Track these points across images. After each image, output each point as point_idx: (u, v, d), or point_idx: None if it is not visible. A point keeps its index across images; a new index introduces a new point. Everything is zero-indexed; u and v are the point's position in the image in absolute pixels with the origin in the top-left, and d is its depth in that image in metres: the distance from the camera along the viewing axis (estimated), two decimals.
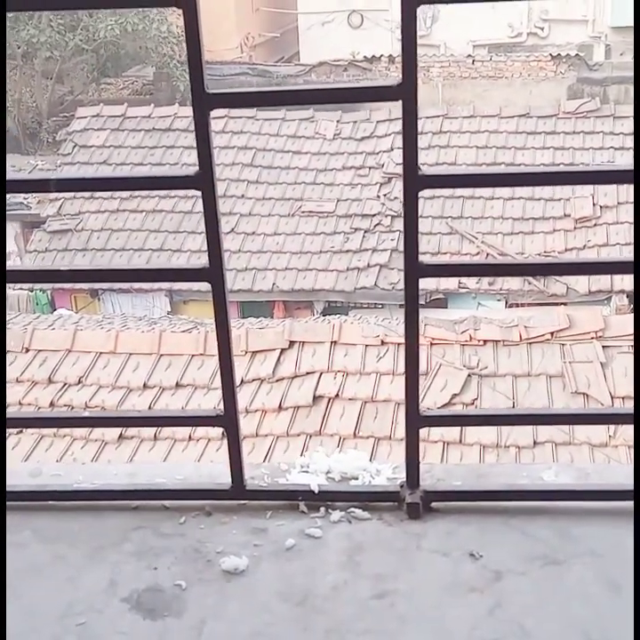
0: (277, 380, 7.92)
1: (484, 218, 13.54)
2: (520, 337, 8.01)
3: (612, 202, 13.26)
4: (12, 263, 15.58)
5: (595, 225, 13.21)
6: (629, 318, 8.69)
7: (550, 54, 20.08)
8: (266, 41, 25.37)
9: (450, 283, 12.53)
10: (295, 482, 1.83)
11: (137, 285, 12.75)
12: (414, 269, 1.58)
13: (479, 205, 13.65)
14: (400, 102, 1.47)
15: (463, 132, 14.81)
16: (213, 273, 1.60)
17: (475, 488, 1.80)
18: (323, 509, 1.78)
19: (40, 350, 8.28)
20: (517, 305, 12.62)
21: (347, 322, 8.98)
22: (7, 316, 10.02)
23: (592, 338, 7.97)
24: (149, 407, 7.64)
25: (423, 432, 1.74)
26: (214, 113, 1.51)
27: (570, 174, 1.89)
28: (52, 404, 7.78)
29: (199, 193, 1.55)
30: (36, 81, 21.62)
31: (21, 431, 7.43)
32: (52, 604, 1.59)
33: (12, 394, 7.83)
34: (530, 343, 7.98)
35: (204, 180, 1.54)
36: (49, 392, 7.93)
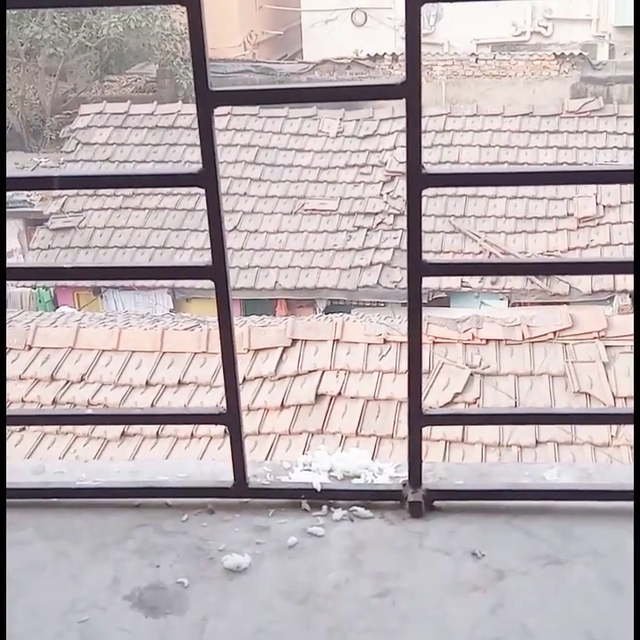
0: (280, 379, 7.92)
1: (486, 217, 13.53)
2: (522, 336, 8.01)
3: (615, 201, 13.25)
4: (15, 260, 15.61)
5: (598, 224, 13.20)
6: (632, 318, 8.68)
7: (554, 53, 20.06)
8: (269, 38, 25.37)
9: (452, 281, 12.52)
10: (297, 480, 1.83)
11: (140, 283, 12.76)
12: (417, 268, 1.58)
13: (482, 204, 13.64)
14: (403, 100, 1.47)
15: (466, 131, 14.80)
16: (216, 271, 1.60)
17: (477, 487, 1.80)
18: (325, 508, 1.78)
19: (43, 348, 8.28)
20: (520, 304, 12.61)
21: (349, 320, 8.98)
22: (10, 314, 10.03)
23: (594, 337, 7.97)
24: (152, 405, 7.65)
25: (425, 431, 1.74)
26: (217, 110, 1.52)
27: (573, 174, 1.89)
28: (54, 402, 7.79)
29: (202, 190, 1.55)
30: (40, 78, 21.63)
31: (24, 428, 7.44)
32: (55, 601, 1.59)
33: (15, 391, 7.84)
34: (532, 342, 7.98)
35: (207, 178, 1.54)
36: (51, 389, 7.93)
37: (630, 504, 1.66)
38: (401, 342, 7.81)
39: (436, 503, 1.77)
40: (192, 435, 7.53)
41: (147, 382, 7.96)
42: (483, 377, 7.76)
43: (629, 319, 8.61)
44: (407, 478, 1.77)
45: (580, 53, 20.07)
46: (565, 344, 7.95)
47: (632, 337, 7.78)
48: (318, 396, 7.73)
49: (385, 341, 8.04)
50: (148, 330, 8.83)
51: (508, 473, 1.89)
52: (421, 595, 1.57)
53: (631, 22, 21.47)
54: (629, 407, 1.71)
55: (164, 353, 8.20)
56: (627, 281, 11.91)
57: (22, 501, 1.81)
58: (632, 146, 13.73)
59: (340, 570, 1.63)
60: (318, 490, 1.78)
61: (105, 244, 13.97)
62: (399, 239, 13.21)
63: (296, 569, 1.64)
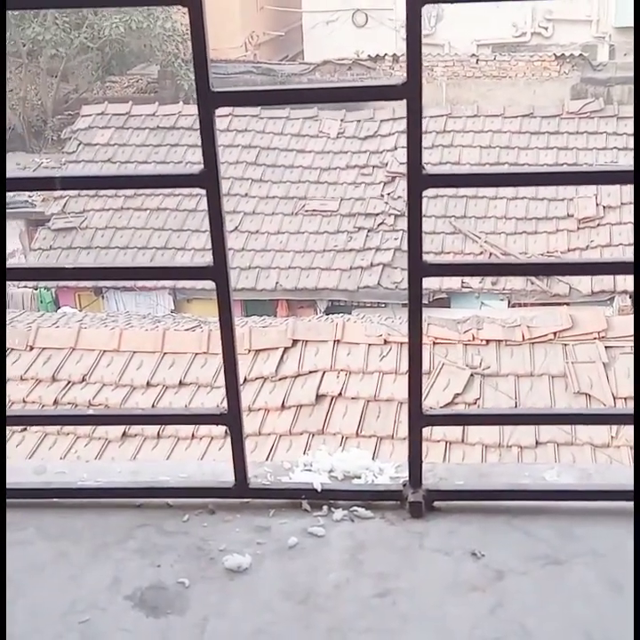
0: (280, 379, 7.93)
1: (487, 217, 13.54)
2: (523, 337, 8.01)
3: (615, 202, 13.25)
4: (16, 261, 15.61)
5: (598, 225, 13.20)
6: (632, 319, 8.67)
7: (554, 54, 20.06)
8: (270, 39, 25.37)
9: (453, 282, 12.53)
10: (298, 480, 1.83)
11: (141, 283, 12.77)
12: (417, 269, 1.58)
13: (482, 205, 13.65)
14: (404, 101, 1.47)
15: (467, 132, 14.81)
16: (218, 271, 1.61)
17: (477, 487, 1.80)
18: (325, 508, 1.78)
19: (44, 348, 8.29)
20: (520, 305, 12.61)
21: (350, 321, 8.99)
22: (11, 314, 10.03)
23: (595, 338, 7.97)
24: (153, 405, 7.65)
25: (426, 431, 1.75)
26: (219, 111, 1.52)
27: (573, 174, 1.90)
28: (55, 402, 7.79)
29: (204, 191, 1.55)
30: (41, 79, 21.64)
31: (25, 429, 7.44)
32: (56, 601, 1.59)
33: (17, 391, 7.84)
34: (532, 343, 7.98)
35: (208, 179, 1.54)
36: (53, 390, 7.94)
37: (630, 504, 1.66)
38: (401, 343, 7.81)
39: (437, 503, 1.77)
40: (193, 435, 7.53)
41: (148, 383, 7.97)
42: (483, 377, 7.77)
43: (629, 320, 8.61)
44: (407, 478, 1.77)
45: (581, 54, 20.07)
46: (565, 345, 7.95)
47: (632, 338, 7.78)
48: (319, 397, 7.73)
49: (385, 342, 8.04)
50: (149, 330, 8.83)
51: (507, 473, 1.89)
52: (421, 595, 1.58)
53: (631, 23, 21.46)
54: (629, 408, 1.72)
55: (165, 353, 8.20)
56: (627, 282, 11.91)
57: (23, 501, 1.82)
58: (632, 147, 13.73)
59: (341, 570, 1.64)
60: (319, 490, 1.79)
61: (106, 245, 13.98)
62: (400, 240, 13.21)
63: (296, 569, 1.64)
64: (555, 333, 8.03)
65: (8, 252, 16.00)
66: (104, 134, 15.34)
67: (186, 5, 1.42)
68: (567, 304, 11.86)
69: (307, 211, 14.04)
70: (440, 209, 13.53)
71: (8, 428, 6.94)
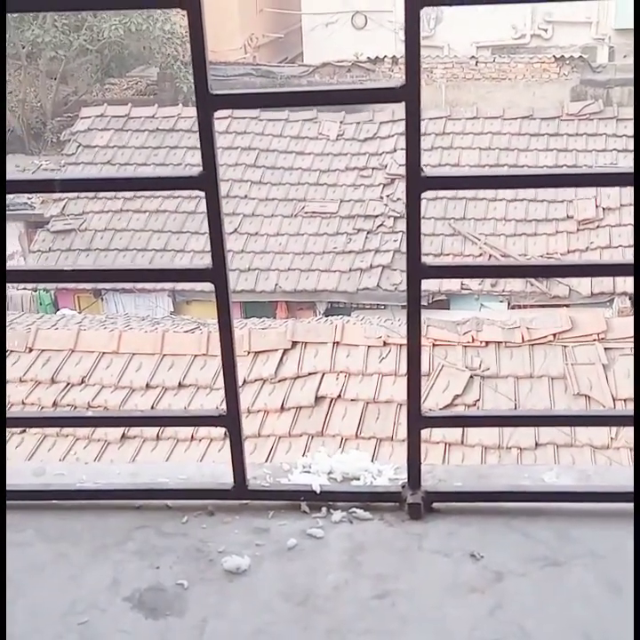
0: (280, 381, 7.93)
1: (486, 219, 13.54)
2: (522, 338, 8.01)
3: (615, 204, 13.26)
4: (15, 263, 15.61)
5: (597, 227, 13.20)
6: (632, 320, 8.69)
7: (554, 56, 20.06)
8: (270, 42, 25.38)
9: (452, 284, 12.54)
10: (297, 482, 1.83)
11: (140, 285, 12.76)
12: (417, 271, 1.59)
13: (482, 207, 13.65)
14: (403, 104, 1.48)
15: (466, 134, 14.82)
16: (217, 273, 1.61)
17: (476, 489, 1.80)
18: (324, 509, 1.78)
19: (43, 350, 8.29)
20: (520, 306, 12.61)
21: (349, 322, 8.99)
22: (11, 316, 10.03)
23: (594, 340, 7.97)
24: (152, 407, 7.65)
25: (425, 433, 1.75)
26: (218, 113, 1.52)
27: (572, 176, 1.90)
28: (55, 404, 7.79)
29: (203, 193, 1.56)
30: (41, 81, 21.65)
31: (24, 431, 7.44)
32: (55, 602, 1.59)
33: (16, 393, 7.84)
34: (532, 345, 7.98)
35: (207, 181, 1.54)
36: (52, 392, 7.94)
37: (629, 506, 1.66)
38: (401, 345, 7.82)
39: (436, 505, 1.77)
40: (192, 437, 7.53)
41: (147, 385, 7.97)
42: (482, 379, 7.77)
43: (629, 321, 8.61)
44: (406, 480, 1.77)
45: (580, 56, 20.07)
46: (565, 346, 7.95)
47: (632, 339, 7.78)
48: (318, 399, 7.73)
49: (385, 344, 8.04)
50: (148, 332, 8.83)
51: (507, 475, 1.89)
52: (420, 596, 1.58)
53: (631, 25, 21.48)
54: (629, 409, 1.72)
55: (165, 355, 8.20)
56: (626, 283, 11.92)
57: (23, 503, 1.82)
58: (632, 148, 13.76)
59: (340, 571, 1.64)
60: (318, 492, 1.79)
61: (105, 247, 13.98)
62: (399, 242, 13.22)
63: (295, 570, 1.64)
64: (554, 335, 8.04)
65: (7, 253, 16.00)
66: (103, 136, 15.35)
67: (185, 8, 1.42)
68: (567, 306, 11.87)
69: (306, 212, 14.05)
70: (439, 211, 13.54)
71: (7, 430, 6.92)
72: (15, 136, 21.02)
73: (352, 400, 7.70)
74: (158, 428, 7.40)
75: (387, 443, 7.34)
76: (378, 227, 13.69)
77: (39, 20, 19.87)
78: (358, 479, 1.85)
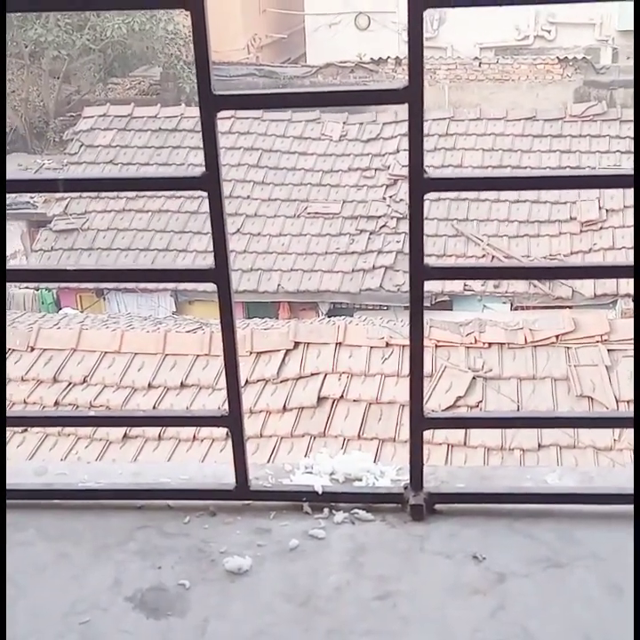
0: (282, 381, 7.93)
1: (489, 220, 13.53)
2: (525, 340, 8.01)
3: (618, 205, 13.25)
4: (18, 262, 15.63)
5: (601, 228, 13.19)
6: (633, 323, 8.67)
7: (557, 57, 20.05)
8: (273, 42, 25.39)
9: (455, 285, 12.53)
10: (299, 483, 1.83)
11: (142, 285, 12.76)
12: (419, 272, 1.58)
13: (485, 208, 13.64)
14: (406, 105, 1.47)
15: (469, 135, 14.81)
16: (219, 274, 1.61)
17: (478, 490, 1.80)
18: (326, 510, 1.78)
19: (45, 349, 8.29)
20: (523, 308, 12.61)
21: (352, 323, 8.98)
22: (13, 315, 10.04)
23: (597, 341, 7.97)
24: (154, 407, 7.65)
25: (427, 434, 1.75)
26: (220, 113, 1.52)
27: (576, 178, 1.90)
28: (56, 403, 7.79)
29: (206, 194, 1.55)
30: (44, 80, 21.66)
31: (26, 430, 7.44)
32: (56, 602, 1.59)
33: (18, 392, 7.85)
34: (535, 346, 7.98)
35: (210, 182, 1.54)
36: (54, 391, 7.94)
37: (631, 508, 1.66)
38: (403, 345, 7.81)
39: (438, 506, 1.77)
40: (194, 437, 7.53)
41: (149, 384, 7.97)
42: (485, 380, 7.76)
43: (632, 323, 8.60)
44: (409, 481, 1.77)
45: (584, 57, 20.06)
46: (568, 348, 7.95)
47: (634, 341, 7.77)
48: (320, 399, 7.73)
49: (387, 345, 8.04)
50: (150, 332, 8.83)
51: (509, 476, 1.89)
52: (422, 597, 1.58)
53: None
54: (631, 411, 1.72)
55: (167, 355, 8.20)
56: (629, 285, 11.90)
57: (24, 502, 1.82)
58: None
59: (341, 572, 1.64)
60: (320, 492, 1.78)
61: (108, 246, 13.99)
62: (402, 243, 13.21)
63: (297, 571, 1.64)
64: (557, 336, 8.03)
65: (10, 253, 16.02)
66: (106, 136, 15.35)
67: (188, 8, 1.42)
68: (570, 307, 11.85)
69: (309, 213, 14.05)
70: (442, 212, 13.53)
71: (9, 429, 6.94)
72: (18, 135, 21.04)
73: (354, 401, 7.69)
74: (160, 427, 7.39)
75: (389, 444, 7.34)
76: (380, 228, 13.68)
77: (42, 20, 19.88)
78: (360, 480, 1.85)
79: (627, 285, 12.01)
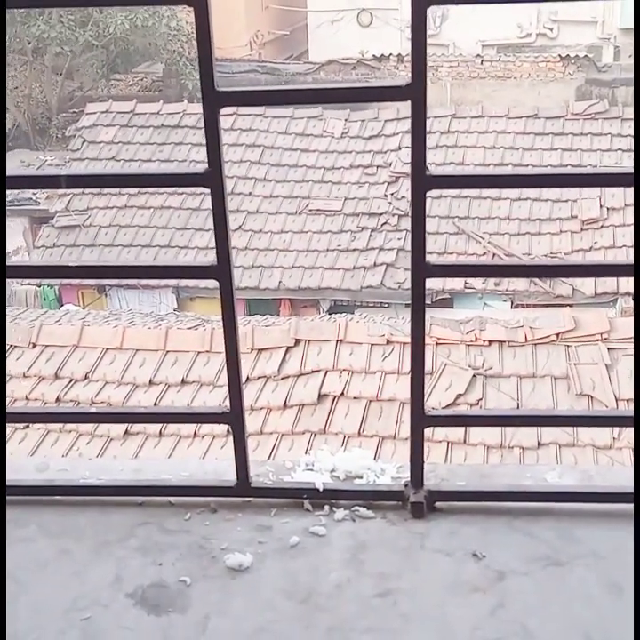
0: (283, 378, 7.93)
1: (490, 218, 13.53)
2: (525, 338, 8.01)
3: (619, 204, 13.24)
4: (20, 258, 15.63)
5: (601, 227, 13.19)
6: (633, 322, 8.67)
7: (559, 55, 20.05)
8: (275, 39, 25.39)
9: (456, 283, 12.53)
10: (300, 480, 1.83)
11: (144, 282, 12.77)
12: (421, 269, 1.58)
13: (486, 206, 13.64)
14: (409, 102, 1.47)
15: (471, 132, 14.80)
16: (221, 270, 1.61)
17: (478, 488, 1.80)
18: (327, 508, 1.78)
19: (47, 345, 8.30)
20: (523, 306, 12.61)
21: (353, 320, 8.99)
22: (15, 311, 10.04)
23: (597, 340, 7.97)
24: (155, 403, 7.66)
25: (428, 432, 1.75)
26: (223, 110, 1.52)
27: (577, 176, 1.90)
28: (58, 400, 7.80)
29: (208, 190, 1.55)
30: (46, 76, 21.66)
31: (28, 426, 7.45)
32: (57, 598, 1.60)
33: (19, 389, 7.85)
34: (535, 344, 7.98)
35: (213, 178, 1.54)
36: (55, 387, 7.95)
37: (630, 506, 1.66)
38: (404, 343, 7.82)
39: (438, 504, 1.77)
40: (195, 434, 7.54)
41: (150, 381, 7.98)
42: (485, 378, 7.77)
43: (632, 321, 8.60)
44: (409, 479, 1.77)
45: (586, 55, 20.06)
46: (568, 346, 7.95)
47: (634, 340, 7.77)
48: (321, 396, 7.73)
49: (388, 342, 8.04)
50: (152, 328, 8.84)
51: (509, 474, 1.89)
52: (422, 595, 1.58)
53: None
54: (631, 409, 1.72)
55: (168, 352, 8.21)
56: (630, 283, 11.84)
57: (25, 499, 1.82)
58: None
59: (342, 570, 1.64)
60: (320, 490, 1.79)
61: (110, 243, 13.99)
62: (403, 240, 13.21)
63: (298, 568, 1.65)
64: (557, 335, 8.03)
65: (11, 249, 16.02)
66: (108, 132, 15.35)
67: (191, 5, 1.42)
68: (570, 305, 11.85)
69: (310, 210, 14.04)
70: (444, 209, 13.53)
71: (10, 425, 6.95)
72: (20, 131, 21.04)
73: (355, 398, 7.70)
74: (161, 424, 7.41)
75: (389, 441, 7.34)
76: (382, 225, 13.68)
77: (45, 16, 19.88)
78: (361, 477, 1.85)
79: (627, 284, 12.00)
